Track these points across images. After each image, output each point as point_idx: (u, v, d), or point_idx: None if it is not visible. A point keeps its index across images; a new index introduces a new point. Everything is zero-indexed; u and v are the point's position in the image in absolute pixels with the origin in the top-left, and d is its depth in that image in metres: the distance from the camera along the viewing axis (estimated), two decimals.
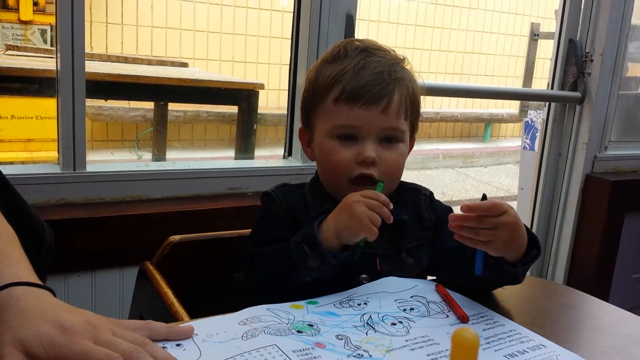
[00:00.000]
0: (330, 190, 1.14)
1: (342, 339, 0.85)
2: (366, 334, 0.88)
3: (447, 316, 0.96)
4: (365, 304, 0.97)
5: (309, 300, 0.97)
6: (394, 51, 1.16)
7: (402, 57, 1.15)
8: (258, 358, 0.77)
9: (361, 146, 1.07)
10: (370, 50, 1.12)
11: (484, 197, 0.95)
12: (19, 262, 0.80)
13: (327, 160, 1.10)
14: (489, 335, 0.91)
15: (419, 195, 1.19)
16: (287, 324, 0.88)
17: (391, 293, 1.01)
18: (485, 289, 1.08)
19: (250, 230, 1.16)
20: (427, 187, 1.23)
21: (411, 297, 1.01)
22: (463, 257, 1.03)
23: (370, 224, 0.97)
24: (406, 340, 0.87)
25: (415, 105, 1.13)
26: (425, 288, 1.05)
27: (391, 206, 1.00)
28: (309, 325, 0.88)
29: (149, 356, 0.70)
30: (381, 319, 0.93)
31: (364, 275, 1.08)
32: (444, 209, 1.19)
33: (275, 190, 1.15)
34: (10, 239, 0.84)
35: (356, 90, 1.06)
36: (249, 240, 1.14)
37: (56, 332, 0.69)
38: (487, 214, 0.93)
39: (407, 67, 1.15)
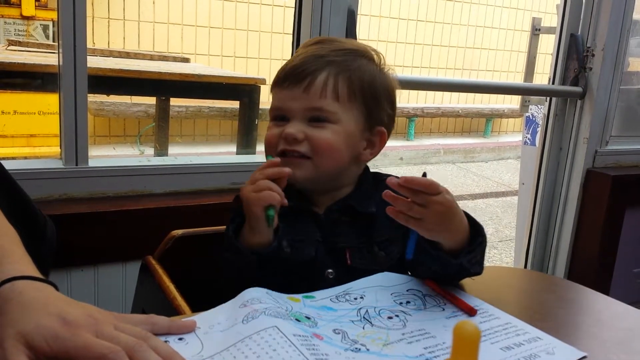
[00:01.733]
0: None
1: (339, 334, 0.85)
2: (363, 328, 0.88)
3: (443, 309, 0.96)
4: (361, 298, 0.97)
5: (305, 294, 0.97)
6: (367, 46, 1.15)
7: (367, 49, 1.14)
8: (258, 341, 0.76)
9: (288, 125, 1.09)
10: (325, 40, 1.14)
11: (424, 175, 0.95)
12: (21, 259, 0.80)
13: (264, 140, 1.13)
14: (484, 328, 0.91)
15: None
16: (285, 310, 0.87)
17: (387, 287, 1.01)
18: (445, 282, 1.06)
19: None
20: None
21: (407, 290, 1.01)
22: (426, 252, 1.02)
23: (257, 194, 0.98)
24: (403, 334, 0.87)
25: (369, 94, 1.11)
26: (421, 282, 1.05)
27: (285, 169, 1.02)
28: (306, 317, 0.88)
29: (151, 350, 0.71)
30: (378, 313, 0.93)
31: (329, 270, 1.08)
32: None
33: None
34: (11, 236, 0.85)
35: (284, 73, 1.10)
36: None
37: (59, 325, 0.69)
38: (422, 189, 0.92)
39: (375, 59, 1.14)
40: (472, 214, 1.03)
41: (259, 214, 0.99)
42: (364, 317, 0.91)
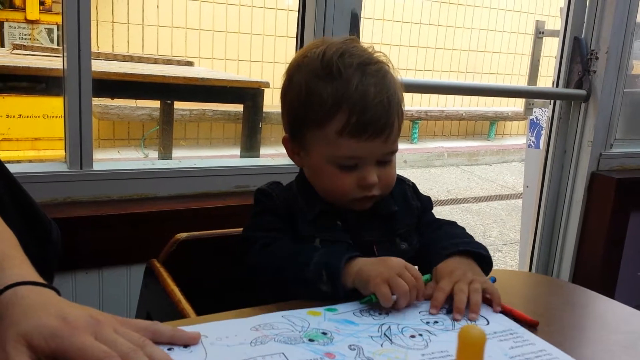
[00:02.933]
0: (329, 201, 1.14)
1: (354, 350, 0.83)
2: (381, 345, 0.85)
3: None
4: (387, 313, 0.95)
5: (328, 307, 0.95)
6: (375, 53, 1.12)
7: (388, 64, 1.12)
8: None
9: (362, 172, 1.08)
10: (363, 66, 1.07)
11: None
12: (22, 264, 0.80)
13: (328, 183, 1.11)
14: (515, 354, 0.85)
15: (404, 186, 1.24)
16: (299, 331, 0.86)
17: (416, 304, 0.98)
18: None
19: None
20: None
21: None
22: (433, 248, 1.12)
23: (386, 289, 0.94)
24: (422, 355, 0.83)
25: (402, 113, 1.12)
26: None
27: (421, 298, 0.99)
28: (322, 333, 0.86)
29: (146, 358, 0.70)
30: (400, 330, 0.89)
31: None
32: (425, 197, 1.29)
33: (271, 187, 1.17)
34: (11, 241, 0.85)
35: (361, 125, 1.04)
36: (243, 233, 1.16)
37: (58, 323, 0.69)
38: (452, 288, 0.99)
39: (391, 70, 1.12)
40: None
41: (366, 292, 0.97)
42: (384, 334, 0.88)
